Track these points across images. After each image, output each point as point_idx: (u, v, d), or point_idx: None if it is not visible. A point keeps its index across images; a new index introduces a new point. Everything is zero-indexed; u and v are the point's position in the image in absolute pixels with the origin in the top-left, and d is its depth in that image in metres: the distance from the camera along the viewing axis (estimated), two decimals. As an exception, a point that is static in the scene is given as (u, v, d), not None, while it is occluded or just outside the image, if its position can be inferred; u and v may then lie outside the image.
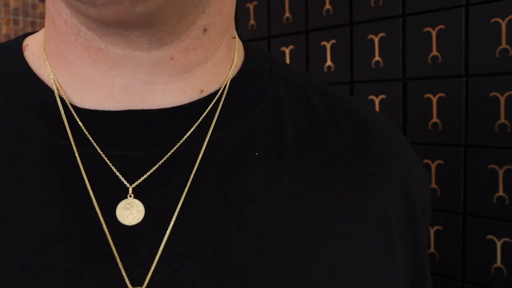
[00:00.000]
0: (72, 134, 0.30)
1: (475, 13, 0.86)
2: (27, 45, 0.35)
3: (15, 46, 0.35)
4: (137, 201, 0.28)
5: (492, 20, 0.84)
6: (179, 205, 0.28)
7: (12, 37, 2.31)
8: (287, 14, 1.13)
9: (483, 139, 0.85)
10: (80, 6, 0.25)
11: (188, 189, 0.29)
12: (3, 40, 2.27)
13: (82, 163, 0.29)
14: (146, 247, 0.27)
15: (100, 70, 0.30)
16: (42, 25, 2.40)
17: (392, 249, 0.33)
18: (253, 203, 0.30)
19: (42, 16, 2.42)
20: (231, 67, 0.34)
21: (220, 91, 0.33)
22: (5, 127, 0.30)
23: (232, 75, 0.34)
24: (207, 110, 0.32)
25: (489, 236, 0.85)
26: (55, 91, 0.31)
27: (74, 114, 0.30)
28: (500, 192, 0.84)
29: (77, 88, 0.31)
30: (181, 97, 0.31)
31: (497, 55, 0.84)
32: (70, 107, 0.30)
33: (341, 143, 0.34)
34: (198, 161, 0.30)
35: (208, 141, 0.31)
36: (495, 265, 0.85)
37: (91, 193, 0.28)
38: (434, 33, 0.91)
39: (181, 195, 0.29)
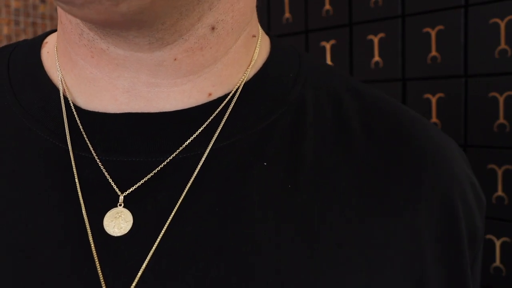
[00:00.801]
0: (70, 137, 0.29)
1: (474, 13, 0.86)
2: (46, 42, 0.34)
3: (36, 43, 0.34)
4: (126, 211, 0.27)
5: (491, 21, 0.84)
6: (170, 218, 0.26)
7: (13, 37, 2.32)
8: (287, 15, 1.13)
9: (482, 139, 0.86)
10: (63, 6, 0.24)
11: (182, 200, 0.27)
12: (3, 41, 2.28)
13: (76, 167, 0.28)
14: (130, 260, 0.26)
15: (104, 72, 0.29)
16: (43, 26, 2.41)
17: (422, 281, 0.28)
18: (253, 218, 0.27)
19: (43, 17, 2.43)
20: (247, 68, 0.32)
21: (231, 94, 0.30)
22: (10, 127, 0.30)
23: (248, 77, 0.31)
24: (213, 115, 0.29)
25: (488, 236, 0.85)
26: (61, 92, 0.30)
27: (76, 116, 0.29)
28: (499, 192, 0.84)
29: (82, 90, 0.30)
30: (187, 100, 0.29)
31: (496, 56, 0.84)
32: (73, 109, 0.30)
33: (371, 155, 0.30)
34: (197, 170, 0.28)
35: (211, 148, 0.28)
36: (494, 264, 0.85)
37: (81, 199, 0.27)
38: (433, 33, 0.91)
39: (174, 206, 0.27)
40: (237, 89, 0.31)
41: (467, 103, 0.87)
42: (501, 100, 0.84)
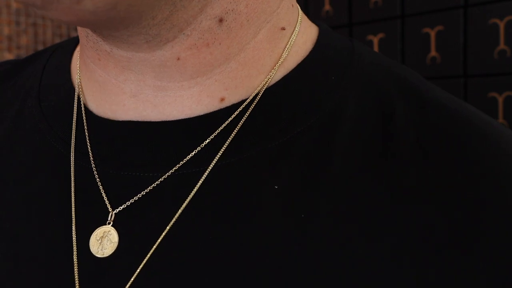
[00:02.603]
0: (75, 144, 0.27)
1: (474, 14, 0.86)
2: None
3: (74, 41, 0.33)
4: (113, 231, 0.24)
5: (491, 21, 0.84)
6: (158, 242, 0.24)
7: (14, 38, 2.32)
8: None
9: (482, 139, 0.86)
10: (32, 8, 0.22)
11: (174, 223, 0.24)
12: (4, 41, 2.28)
13: (74, 177, 0.26)
14: (110, 285, 0.24)
15: (111, 75, 0.27)
16: (43, 27, 2.41)
17: None
18: (252, 252, 0.23)
19: (44, 17, 2.43)
20: (273, 68, 0.27)
21: (248, 100, 0.26)
22: (27, 129, 0.29)
23: (274, 80, 0.26)
24: (223, 125, 0.25)
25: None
26: (75, 95, 0.29)
27: (85, 122, 0.28)
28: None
29: (94, 93, 0.28)
30: (195, 106, 0.26)
31: (496, 56, 0.84)
32: (83, 114, 0.28)
33: (421, 183, 0.23)
34: (194, 190, 0.24)
35: (215, 165, 0.25)
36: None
37: (73, 213, 0.25)
38: (433, 34, 0.91)
39: (164, 229, 0.24)
40: (257, 94, 0.26)
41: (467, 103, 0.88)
42: (500, 100, 0.84)
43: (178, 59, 0.25)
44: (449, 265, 0.22)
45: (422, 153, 0.24)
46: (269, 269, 0.22)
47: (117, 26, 0.23)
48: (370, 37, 1.00)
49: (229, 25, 0.25)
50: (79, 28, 0.28)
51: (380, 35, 0.98)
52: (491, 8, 0.84)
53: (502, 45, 0.83)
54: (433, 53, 0.91)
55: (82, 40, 0.28)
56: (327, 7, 1.07)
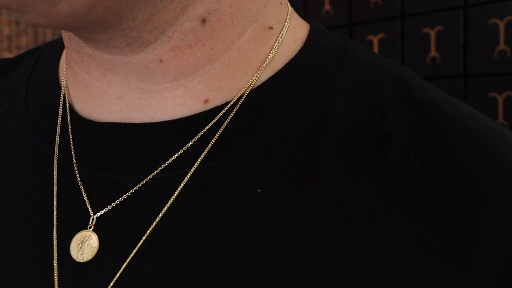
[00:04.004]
0: (59, 146, 0.27)
1: (474, 14, 0.86)
2: None
3: (62, 41, 0.32)
4: (93, 235, 0.24)
5: (491, 21, 0.84)
6: (137, 246, 0.23)
7: (14, 38, 2.32)
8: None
9: (482, 139, 0.86)
10: (12, 12, 0.21)
11: (154, 227, 0.23)
12: (4, 41, 2.28)
13: (57, 180, 0.26)
14: None
15: (95, 77, 0.27)
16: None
17: None
18: (233, 259, 0.22)
19: (44, 17, 2.43)
20: (259, 69, 0.26)
21: (232, 102, 0.25)
22: (15, 129, 0.29)
23: (260, 81, 0.26)
24: (207, 127, 0.25)
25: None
26: (61, 96, 0.29)
27: (69, 123, 0.27)
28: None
29: (79, 95, 0.28)
30: (179, 108, 0.25)
31: (495, 56, 0.84)
32: (68, 114, 0.28)
33: (414, 187, 0.23)
34: (175, 194, 0.24)
35: (197, 168, 0.24)
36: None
37: (55, 217, 0.25)
38: (433, 34, 0.91)
39: (144, 234, 0.23)
40: (241, 96, 0.25)
41: (467, 103, 0.87)
42: (500, 100, 0.84)
43: (161, 61, 0.24)
44: (442, 272, 0.21)
45: (415, 156, 0.23)
46: (251, 274, 0.22)
47: (96, 29, 0.22)
48: (370, 37, 1.00)
49: (213, 26, 0.24)
50: (62, 31, 0.27)
51: (380, 35, 0.98)
52: (491, 8, 0.84)
53: (502, 45, 0.83)
54: (433, 53, 0.91)
55: (65, 42, 0.27)
56: (327, 7, 1.06)
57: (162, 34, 0.24)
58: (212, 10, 0.24)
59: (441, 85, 0.90)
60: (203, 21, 0.24)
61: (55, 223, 0.25)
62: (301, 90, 0.26)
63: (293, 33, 0.28)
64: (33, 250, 0.25)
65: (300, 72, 0.26)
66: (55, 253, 0.24)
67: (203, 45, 0.24)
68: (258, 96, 0.25)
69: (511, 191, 0.22)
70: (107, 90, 0.26)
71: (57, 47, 0.33)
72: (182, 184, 0.24)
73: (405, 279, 0.21)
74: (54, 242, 0.24)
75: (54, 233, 0.25)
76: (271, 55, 0.26)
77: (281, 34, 0.27)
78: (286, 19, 0.28)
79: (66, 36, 0.27)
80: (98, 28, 0.22)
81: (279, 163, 0.24)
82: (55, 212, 0.25)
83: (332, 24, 1.06)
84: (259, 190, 0.23)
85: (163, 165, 0.25)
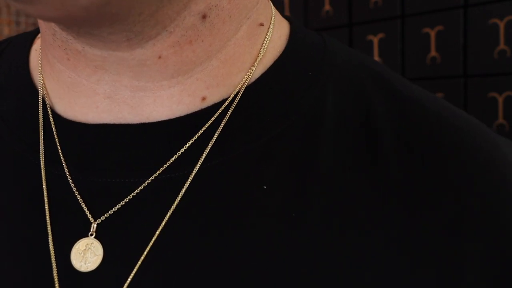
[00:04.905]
0: (44, 150, 0.25)
1: (474, 14, 0.86)
2: (38, 37, 0.30)
3: (29, 37, 0.30)
4: (96, 243, 0.23)
5: (491, 21, 0.85)
6: (145, 252, 0.22)
7: (14, 38, 2.31)
8: (287, 15, 1.13)
9: (482, 139, 0.86)
10: (14, 4, 0.21)
11: (160, 232, 0.23)
12: (4, 41, 2.28)
13: (47, 186, 0.24)
14: None
15: (82, 75, 0.25)
16: (43, 26, 2.41)
17: None
18: (246, 257, 0.22)
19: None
20: (253, 65, 0.26)
21: (230, 99, 0.25)
22: None
23: (254, 77, 0.26)
24: (206, 126, 0.24)
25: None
26: (40, 97, 0.27)
27: (53, 125, 0.26)
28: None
29: (61, 95, 0.26)
30: (176, 107, 0.25)
31: (495, 56, 0.84)
32: (50, 117, 0.26)
33: (406, 178, 0.24)
34: (180, 195, 0.23)
35: (200, 168, 0.24)
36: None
37: (49, 226, 0.24)
38: (433, 34, 0.91)
39: (151, 239, 0.23)
40: (237, 93, 0.25)
41: (467, 103, 0.88)
42: (500, 100, 0.84)
43: (160, 57, 0.24)
44: (432, 264, 0.23)
45: (403, 148, 0.25)
46: (267, 272, 0.22)
47: (102, 23, 0.22)
48: (370, 37, 1.00)
49: (212, 22, 0.24)
50: (43, 26, 0.26)
51: (380, 35, 0.98)
52: (491, 8, 0.84)
53: (502, 45, 0.84)
54: (433, 53, 0.91)
55: (47, 38, 0.26)
56: (327, 7, 1.07)
57: (163, 29, 0.23)
58: (212, 5, 0.24)
59: (441, 85, 0.90)
60: (204, 16, 0.24)
61: (50, 233, 0.23)
62: (292, 86, 0.26)
63: (278, 30, 0.28)
64: (28, 265, 0.23)
65: (289, 68, 0.27)
66: (54, 264, 0.23)
67: (202, 41, 0.24)
68: (253, 93, 0.25)
69: (497, 178, 0.24)
70: (96, 88, 0.25)
71: (22, 45, 0.30)
72: (186, 185, 0.23)
73: (410, 263, 0.22)
74: (52, 253, 0.23)
75: (50, 243, 0.23)
76: (262, 52, 0.26)
77: (269, 31, 0.27)
78: (272, 15, 0.28)
79: (49, 32, 0.25)
80: (105, 22, 0.22)
81: (280, 160, 0.24)
82: (48, 221, 0.24)
83: (332, 24, 1.06)
84: (265, 187, 0.23)
85: (165, 166, 0.24)
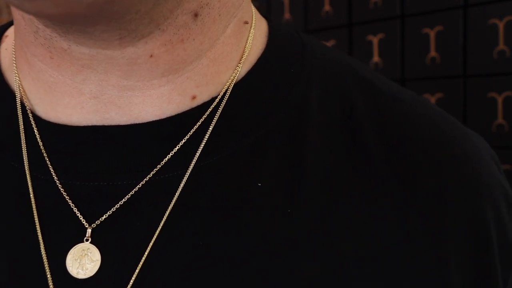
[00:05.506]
0: (28, 155, 0.24)
1: (473, 14, 0.86)
2: (6, 36, 0.29)
3: None
4: (93, 248, 0.22)
5: (490, 21, 0.85)
6: (145, 256, 0.22)
7: (13, 37, 2.31)
8: (287, 15, 1.13)
9: (481, 139, 0.86)
10: (11, 0, 0.20)
11: (159, 233, 0.22)
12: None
13: (34, 192, 0.23)
14: None
15: (66, 75, 0.24)
16: (43, 26, 2.40)
17: None
18: (244, 254, 0.22)
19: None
20: (239, 63, 0.26)
21: (219, 97, 0.25)
22: None
23: (240, 75, 0.26)
24: (197, 125, 0.24)
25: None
26: (18, 99, 0.25)
27: (35, 128, 0.25)
28: (498, 192, 0.85)
29: (41, 96, 0.25)
30: (166, 106, 0.24)
31: (495, 56, 0.84)
32: (31, 119, 0.25)
33: (388, 170, 0.25)
34: (176, 195, 0.23)
35: (194, 167, 0.23)
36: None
37: (39, 233, 0.23)
38: (432, 34, 0.91)
39: (149, 241, 0.22)
40: (226, 91, 0.25)
41: (466, 103, 0.88)
42: (499, 100, 0.84)
43: (151, 56, 0.23)
44: (419, 249, 0.24)
45: (382, 139, 0.26)
46: (266, 270, 0.22)
47: (100, 21, 0.21)
48: (370, 37, 1.00)
49: (203, 20, 0.24)
50: (21, 23, 0.24)
51: (380, 35, 0.98)
52: (490, 8, 0.84)
53: (501, 45, 0.84)
54: (432, 53, 0.91)
55: (26, 36, 0.24)
56: (327, 7, 1.07)
57: (156, 28, 0.23)
58: (204, 4, 0.23)
59: (440, 85, 0.90)
60: (195, 15, 0.23)
61: (41, 241, 0.22)
62: (277, 83, 0.26)
63: (259, 27, 0.28)
64: (21, 275, 0.22)
65: (273, 65, 0.27)
66: (48, 273, 0.22)
67: (193, 39, 0.24)
68: (241, 91, 0.25)
69: (471, 166, 0.26)
70: (81, 88, 0.24)
71: None
72: (181, 185, 0.23)
73: (400, 263, 0.23)
74: (45, 262, 0.22)
75: (42, 251, 0.22)
76: (247, 50, 0.26)
77: (251, 29, 0.27)
78: (253, 13, 0.28)
79: (30, 29, 0.24)
80: (102, 20, 0.21)
81: (272, 156, 0.24)
82: (38, 229, 0.23)
83: (332, 24, 1.06)
84: (259, 184, 0.23)
85: (158, 166, 0.23)
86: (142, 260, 0.22)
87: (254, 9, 0.29)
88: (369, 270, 0.23)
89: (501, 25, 0.84)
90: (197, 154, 0.24)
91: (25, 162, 0.24)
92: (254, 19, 0.28)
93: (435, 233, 0.24)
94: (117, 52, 0.23)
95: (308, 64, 0.27)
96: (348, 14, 1.04)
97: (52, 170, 0.24)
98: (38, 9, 0.20)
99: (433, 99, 0.91)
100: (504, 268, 0.26)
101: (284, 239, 0.23)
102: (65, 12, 0.20)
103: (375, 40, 0.99)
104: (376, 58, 0.99)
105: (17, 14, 0.24)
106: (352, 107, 0.26)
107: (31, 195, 0.23)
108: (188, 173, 0.23)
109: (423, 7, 0.92)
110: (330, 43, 1.06)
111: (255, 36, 0.27)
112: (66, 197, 0.23)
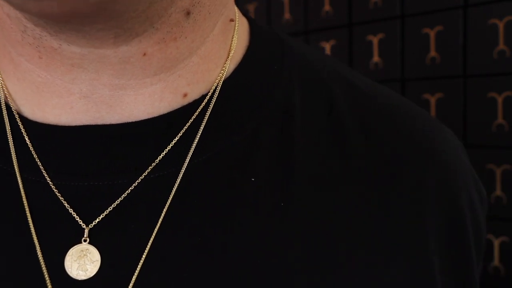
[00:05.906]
0: (16, 156, 0.24)
1: (473, 14, 0.86)
2: None
3: None
4: (92, 248, 0.22)
5: (490, 21, 0.85)
6: (145, 254, 0.22)
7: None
8: (287, 15, 1.13)
9: (481, 139, 0.86)
10: (13, 0, 0.19)
11: (157, 231, 0.22)
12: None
13: (26, 194, 0.23)
14: None
15: (55, 75, 0.24)
16: (43, 26, 2.39)
17: None
18: (243, 250, 0.23)
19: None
20: (226, 60, 0.26)
21: (209, 95, 0.25)
22: None
23: (228, 73, 0.26)
24: (189, 122, 0.24)
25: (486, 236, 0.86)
26: (2, 100, 0.25)
27: (22, 129, 0.24)
28: (498, 192, 0.85)
29: (28, 97, 0.25)
30: (158, 104, 0.24)
31: (495, 56, 0.84)
32: (18, 120, 0.24)
33: (370, 159, 0.26)
34: (172, 193, 0.23)
35: (188, 164, 0.24)
36: (493, 264, 0.85)
37: (34, 235, 0.22)
38: (432, 34, 0.91)
39: (148, 239, 0.22)
40: (215, 88, 0.26)
41: (466, 103, 0.88)
42: (499, 100, 0.84)
43: (144, 54, 0.23)
44: (401, 233, 0.25)
45: (364, 131, 0.27)
46: (263, 266, 0.22)
47: (98, 20, 0.21)
48: (370, 37, 1.00)
49: (195, 18, 0.24)
50: (7, 23, 0.24)
51: (380, 35, 0.98)
52: (490, 8, 0.84)
53: (501, 45, 0.84)
54: (432, 53, 0.91)
55: (13, 36, 0.24)
56: (327, 7, 1.07)
57: (150, 26, 0.23)
58: (195, 2, 0.23)
59: (440, 85, 0.90)
60: (188, 13, 0.23)
61: (37, 243, 0.22)
62: (262, 79, 0.27)
63: (242, 25, 0.29)
64: (19, 279, 0.22)
65: (257, 63, 0.27)
66: (47, 276, 0.22)
67: (186, 37, 0.24)
68: (230, 88, 0.26)
69: (446, 156, 0.28)
70: (70, 88, 0.24)
71: None
72: (177, 183, 0.23)
73: (386, 254, 0.24)
74: (42, 264, 0.22)
75: (38, 253, 0.22)
76: (233, 47, 0.27)
77: (236, 26, 0.28)
78: (235, 11, 0.29)
79: (17, 28, 0.23)
80: (101, 19, 0.21)
81: (263, 150, 0.25)
82: (33, 231, 0.22)
83: (332, 24, 1.06)
84: (253, 179, 0.24)
85: (153, 165, 0.23)
86: (142, 260, 0.22)
87: (236, 8, 0.29)
88: (359, 258, 0.24)
89: (501, 25, 0.84)
90: (191, 151, 0.24)
91: (14, 164, 0.24)
92: (237, 17, 0.28)
93: (417, 220, 0.26)
94: (110, 51, 0.23)
95: (288, 61, 0.28)
96: (348, 14, 1.04)
97: (44, 172, 0.23)
98: (39, 8, 0.19)
99: (433, 99, 0.91)
100: (477, 252, 0.28)
101: (278, 233, 0.23)
102: (69, 11, 0.20)
103: (375, 40, 0.99)
104: (376, 58, 0.99)
105: (1, 13, 0.24)
106: (333, 103, 0.27)
107: (23, 198, 0.23)
108: (182, 171, 0.24)
109: (423, 7, 0.92)
110: (330, 43, 1.06)
111: (239, 34, 0.28)
112: (61, 198, 0.23)
